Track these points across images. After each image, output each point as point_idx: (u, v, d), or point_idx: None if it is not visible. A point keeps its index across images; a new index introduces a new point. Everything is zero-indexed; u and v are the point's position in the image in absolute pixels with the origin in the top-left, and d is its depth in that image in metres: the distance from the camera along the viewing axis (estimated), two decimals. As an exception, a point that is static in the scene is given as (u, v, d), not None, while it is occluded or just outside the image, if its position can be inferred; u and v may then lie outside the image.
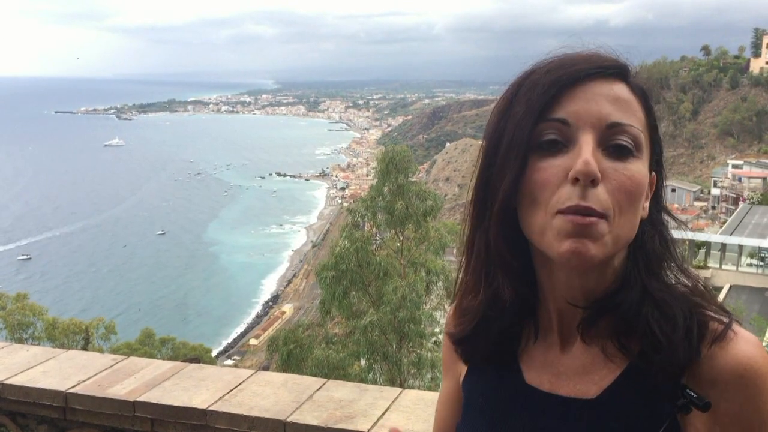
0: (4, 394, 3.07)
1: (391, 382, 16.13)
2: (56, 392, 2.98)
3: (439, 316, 17.98)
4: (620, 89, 1.08)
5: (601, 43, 1.14)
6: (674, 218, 1.20)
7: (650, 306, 1.08)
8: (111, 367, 3.22)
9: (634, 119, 1.07)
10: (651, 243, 1.12)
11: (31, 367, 3.22)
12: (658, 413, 1.05)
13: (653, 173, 1.13)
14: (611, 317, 1.10)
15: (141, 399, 2.88)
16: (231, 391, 2.92)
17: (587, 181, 1.00)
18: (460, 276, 1.24)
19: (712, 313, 1.10)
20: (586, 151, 1.01)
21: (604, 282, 1.10)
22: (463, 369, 1.30)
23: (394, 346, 16.86)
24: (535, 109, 1.05)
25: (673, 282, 1.14)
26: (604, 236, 1.02)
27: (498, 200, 1.09)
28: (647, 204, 1.11)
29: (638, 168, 1.05)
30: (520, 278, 1.16)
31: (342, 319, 18.97)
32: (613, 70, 1.09)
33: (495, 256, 1.15)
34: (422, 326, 17.11)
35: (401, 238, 18.75)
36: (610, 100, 1.06)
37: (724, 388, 1.04)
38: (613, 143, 1.04)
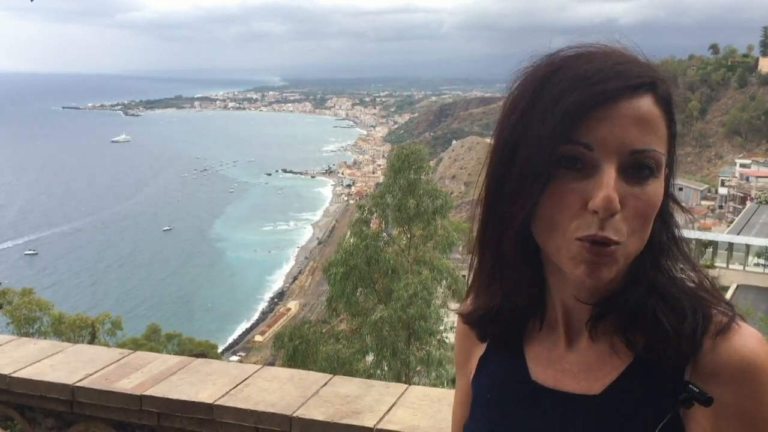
0: (12, 387, 3.08)
1: (397, 379, 16.16)
2: (63, 386, 2.99)
3: (444, 314, 17.99)
4: (646, 105, 1.04)
5: (622, 36, 1.10)
6: (682, 208, 1.19)
7: (657, 299, 1.09)
8: (118, 361, 3.23)
9: (656, 140, 1.04)
10: (659, 238, 1.12)
11: (39, 361, 3.23)
12: (661, 408, 1.06)
13: (666, 169, 1.12)
14: (619, 313, 1.11)
15: (148, 393, 2.89)
16: (237, 385, 2.93)
17: (607, 215, 1.00)
18: (473, 272, 1.24)
19: (716, 308, 1.10)
20: (608, 184, 0.99)
21: (613, 279, 1.09)
22: (473, 368, 1.32)
23: (402, 343, 16.88)
24: (558, 131, 1.02)
25: (680, 276, 1.14)
26: (618, 260, 1.03)
27: (516, 219, 1.08)
28: None
29: (655, 188, 1.05)
30: (531, 281, 1.17)
31: (348, 316, 18.99)
32: (643, 87, 1.05)
33: (508, 266, 1.16)
34: (431, 324, 17.12)
35: (409, 236, 18.76)
36: (636, 122, 1.02)
37: (727, 382, 1.04)
38: (634, 166, 1.03)
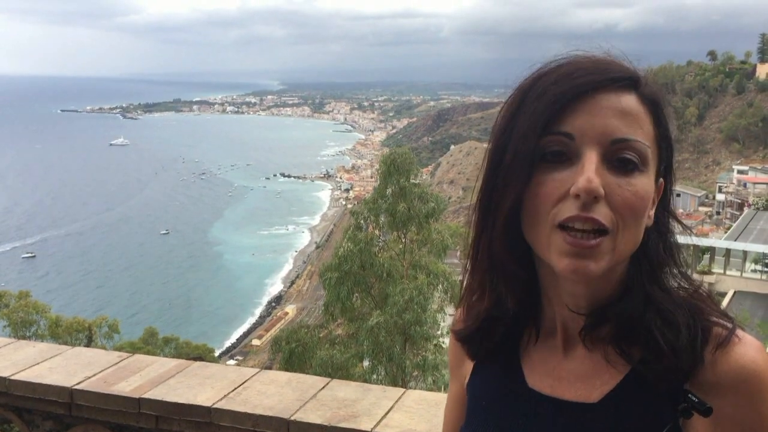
0: (11, 389, 3.09)
1: (393, 384, 16.12)
2: (62, 388, 3.00)
3: (440, 319, 17.96)
4: (628, 101, 1.06)
5: (611, 47, 1.12)
6: (682, 224, 1.19)
7: (653, 313, 1.08)
8: (116, 364, 3.23)
9: (640, 133, 1.05)
10: (655, 250, 1.12)
11: (37, 364, 3.23)
12: (660, 418, 1.05)
13: (661, 180, 1.12)
14: (613, 324, 1.10)
15: (146, 396, 2.89)
16: (235, 389, 2.94)
17: (589, 198, 1.00)
18: (466, 278, 1.24)
19: (715, 319, 1.09)
20: (589, 169, 1.00)
21: (607, 289, 1.10)
22: (467, 372, 1.31)
23: (398, 348, 16.86)
24: (540, 122, 1.04)
25: (676, 287, 1.13)
26: (606, 254, 1.02)
27: (502, 214, 1.09)
28: (652, 212, 1.10)
29: (643, 183, 1.04)
30: (524, 286, 1.17)
31: (345, 321, 18.97)
32: (623, 81, 1.06)
33: (499, 268, 1.15)
34: (426, 328, 17.10)
35: (404, 241, 18.75)
36: (617, 114, 1.04)
37: (727, 392, 1.03)
38: (618, 158, 1.03)
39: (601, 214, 1.01)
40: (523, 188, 1.05)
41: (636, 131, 1.04)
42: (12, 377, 3.09)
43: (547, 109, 1.04)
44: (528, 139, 1.04)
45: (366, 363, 17.76)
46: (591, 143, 1.02)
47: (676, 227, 1.18)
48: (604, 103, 1.04)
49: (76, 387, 2.99)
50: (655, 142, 1.08)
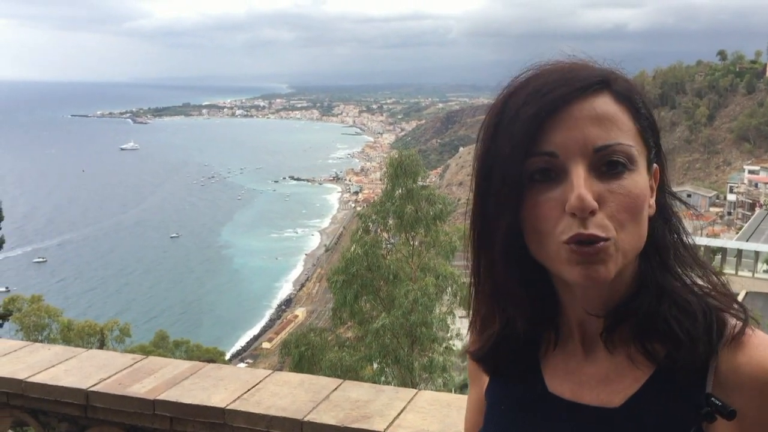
0: (27, 392, 3.12)
1: (403, 386, 16.11)
2: (77, 390, 3.03)
3: (450, 321, 17.94)
4: (602, 104, 1.05)
5: (573, 49, 1.12)
6: (682, 201, 1.18)
7: (668, 304, 1.08)
8: (131, 366, 3.26)
9: (621, 134, 1.04)
10: (662, 239, 1.12)
11: (53, 366, 3.27)
12: (683, 422, 1.05)
13: (655, 165, 1.11)
14: (633, 322, 1.10)
15: (161, 397, 2.92)
16: (249, 390, 2.96)
17: (584, 214, 1.00)
18: (473, 303, 1.24)
19: (728, 311, 1.09)
20: (578, 184, 1.00)
21: (621, 287, 1.09)
22: (486, 377, 1.31)
23: (406, 350, 16.85)
24: (520, 146, 1.04)
25: (689, 275, 1.13)
26: (612, 256, 1.02)
27: (499, 240, 1.09)
28: (653, 200, 1.10)
29: (634, 181, 1.04)
30: (534, 302, 1.16)
31: (354, 324, 19.00)
32: (593, 86, 1.06)
33: (503, 292, 1.15)
34: (434, 330, 17.09)
35: (412, 243, 18.75)
36: (594, 122, 1.03)
37: (749, 394, 1.03)
38: (605, 163, 1.03)
39: (599, 226, 1.01)
40: (517, 213, 1.05)
41: (616, 134, 1.04)
42: (28, 379, 3.12)
43: (525, 131, 1.03)
44: (513, 164, 1.04)
45: (375, 365, 17.77)
46: (575, 157, 1.02)
47: (690, 226, 1.18)
48: (577, 113, 1.03)
49: (92, 389, 3.02)
50: (639, 136, 1.07)
